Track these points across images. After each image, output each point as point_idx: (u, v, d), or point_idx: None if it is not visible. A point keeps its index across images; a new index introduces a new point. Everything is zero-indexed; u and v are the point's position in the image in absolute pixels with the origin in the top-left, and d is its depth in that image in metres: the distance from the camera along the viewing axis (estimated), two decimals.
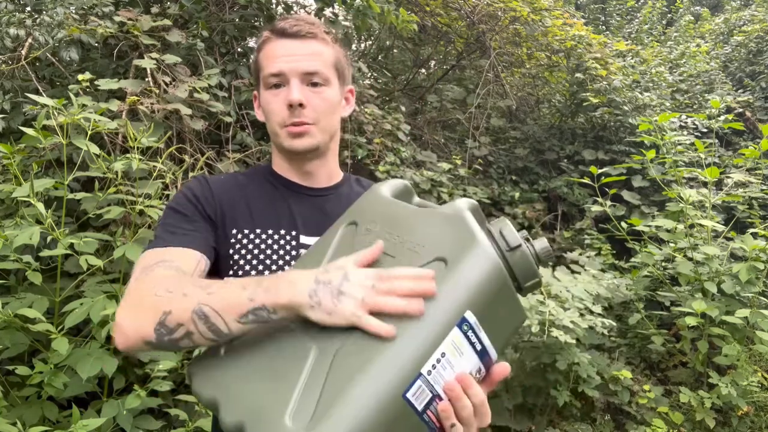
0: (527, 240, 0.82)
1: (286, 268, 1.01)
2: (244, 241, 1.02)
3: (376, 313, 0.71)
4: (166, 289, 0.81)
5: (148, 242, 0.99)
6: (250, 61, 3.97)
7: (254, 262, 1.01)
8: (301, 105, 1.00)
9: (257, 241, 1.03)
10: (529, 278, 0.80)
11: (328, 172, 1.13)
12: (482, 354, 0.74)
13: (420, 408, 0.68)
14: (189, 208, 1.01)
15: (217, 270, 1.01)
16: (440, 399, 0.70)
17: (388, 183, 0.96)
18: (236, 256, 1.01)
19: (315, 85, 1.02)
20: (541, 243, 0.83)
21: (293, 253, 1.03)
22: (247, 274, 1.00)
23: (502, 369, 0.78)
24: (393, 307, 0.70)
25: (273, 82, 1.02)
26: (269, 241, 1.03)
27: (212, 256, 0.99)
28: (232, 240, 1.02)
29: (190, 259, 0.94)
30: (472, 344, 0.72)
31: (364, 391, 0.64)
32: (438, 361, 0.69)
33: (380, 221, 0.87)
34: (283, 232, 1.04)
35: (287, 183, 1.10)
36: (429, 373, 0.68)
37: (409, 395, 0.67)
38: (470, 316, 0.71)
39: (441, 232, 0.80)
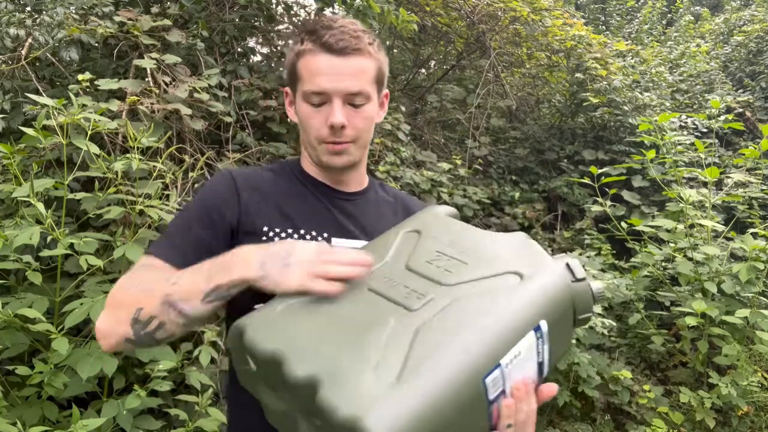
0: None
1: None
2: (275, 239, 1.01)
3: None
4: (140, 285, 0.89)
5: (163, 234, 1.02)
6: (251, 59, 3.97)
7: None
8: (342, 127, 1.00)
9: (288, 239, 1.02)
10: (585, 311, 0.86)
11: (359, 179, 1.14)
12: (540, 367, 0.77)
13: (491, 397, 0.69)
14: (205, 215, 1.01)
15: None
16: (505, 396, 0.72)
17: (444, 206, 1.03)
18: None
19: (355, 105, 1.01)
20: (598, 285, 0.88)
21: None
22: None
23: (550, 389, 0.81)
24: (336, 272, 0.78)
25: (315, 100, 1.01)
26: (299, 239, 1.03)
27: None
28: (263, 237, 1.01)
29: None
30: (537, 353, 0.75)
31: (454, 359, 0.65)
32: (515, 356, 0.72)
33: (446, 235, 0.90)
34: (314, 233, 1.04)
35: (318, 184, 1.10)
36: (507, 366, 0.70)
37: (488, 380, 0.68)
38: (544, 325, 0.75)
39: (511, 251, 0.85)
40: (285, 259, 0.81)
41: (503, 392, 0.71)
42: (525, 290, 0.76)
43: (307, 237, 1.03)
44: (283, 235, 1.02)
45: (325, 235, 1.04)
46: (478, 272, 0.80)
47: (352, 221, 1.08)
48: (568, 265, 0.84)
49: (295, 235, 1.02)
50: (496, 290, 0.76)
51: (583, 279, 0.84)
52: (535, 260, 0.82)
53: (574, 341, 2.63)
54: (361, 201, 1.13)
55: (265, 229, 1.01)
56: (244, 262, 0.83)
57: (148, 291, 0.87)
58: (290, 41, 1.11)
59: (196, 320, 0.85)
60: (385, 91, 1.13)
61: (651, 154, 3.35)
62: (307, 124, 1.03)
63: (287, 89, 1.10)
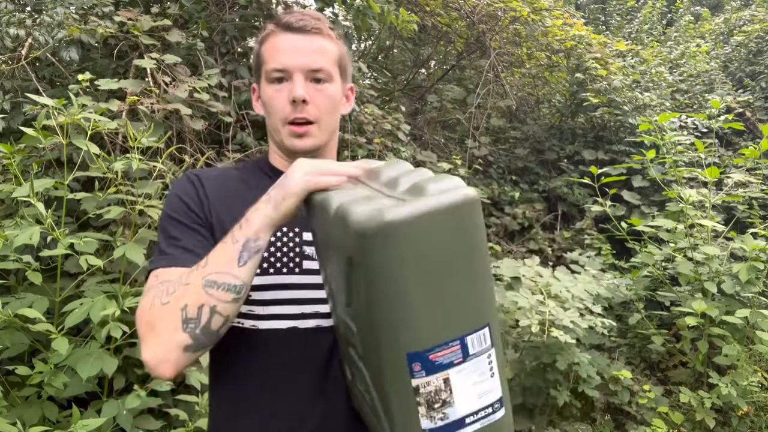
0: None
1: (286, 267, 0.99)
2: None
3: None
4: (166, 293, 0.84)
5: (155, 252, 0.97)
6: (251, 59, 3.96)
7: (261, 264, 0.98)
8: (304, 101, 0.99)
9: None
10: None
11: None
12: None
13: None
14: (187, 216, 0.99)
15: None
16: None
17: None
18: None
19: (318, 81, 1.02)
20: None
21: (297, 250, 1.01)
22: None
23: None
24: (333, 173, 0.82)
25: (276, 76, 1.01)
26: (272, 239, 0.99)
27: None
28: None
29: None
30: None
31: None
32: None
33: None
34: (285, 230, 1.02)
35: None
36: None
37: None
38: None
39: None
40: (284, 179, 0.85)
41: None
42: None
43: (278, 234, 1.01)
44: None
45: (296, 230, 1.02)
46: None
47: None
48: None
49: None
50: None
51: None
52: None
53: (574, 341, 2.63)
54: None
55: None
56: (255, 211, 0.85)
57: (182, 288, 0.84)
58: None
59: (243, 288, 0.84)
60: (351, 84, 1.13)
61: (651, 154, 3.35)
62: (270, 105, 1.03)
63: (254, 85, 1.11)
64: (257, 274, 0.95)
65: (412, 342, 0.69)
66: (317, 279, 0.99)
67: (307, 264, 1.00)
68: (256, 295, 0.96)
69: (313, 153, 1.05)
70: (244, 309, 0.96)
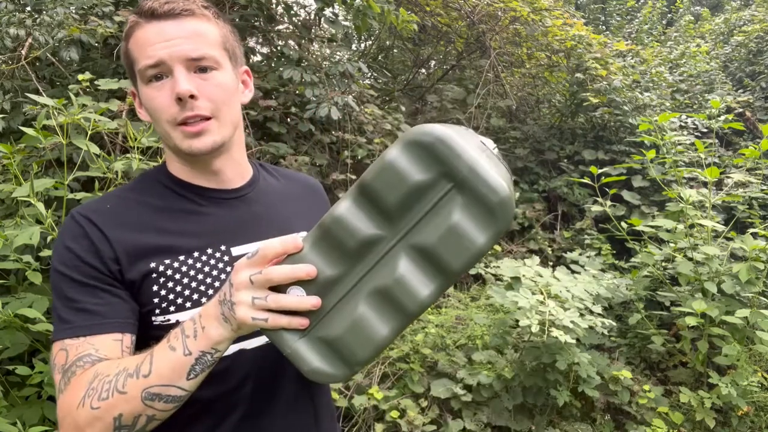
0: None
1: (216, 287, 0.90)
2: (168, 272, 0.87)
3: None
4: (97, 396, 0.75)
5: (54, 324, 0.84)
6: (251, 60, 3.97)
7: (186, 292, 0.88)
8: (192, 96, 0.85)
9: (183, 268, 0.88)
10: None
11: (239, 169, 0.99)
12: None
13: None
14: (80, 271, 0.83)
15: (143, 311, 0.87)
16: None
17: None
18: (162, 291, 0.86)
19: (203, 70, 0.87)
20: None
21: (227, 269, 0.91)
22: (180, 308, 0.87)
23: None
24: (285, 304, 0.70)
25: (152, 74, 0.85)
26: (198, 265, 0.89)
27: (135, 319, 0.86)
28: (154, 275, 0.86)
29: (110, 347, 0.82)
30: None
31: None
32: None
33: None
34: (210, 251, 0.90)
35: (195, 189, 0.94)
36: None
37: None
38: None
39: None
40: (231, 298, 0.72)
41: None
42: None
43: (204, 258, 0.89)
44: (176, 265, 0.88)
45: (223, 247, 0.91)
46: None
47: (248, 220, 0.96)
48: None
49: (189, 260, 0.89)
50: None
51: None
52: None
53: (573, 341, 2.63)
54: (251, 194, 0.99)
55: (153, 265, 0.86)
56: (210, 320, 0.74)
57: (117, 395, 0.74)
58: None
59: (188, 395, 0.77)
60: (244, 67, 0.98)
61: (651, 154, 3.35)
62: (153, 107, 0.87)
63: (132, 89, 0.94)
64: (187, 308, 0.87)
65: None
66: None
67: None
68: None
69: (217, 152, 0.91)
70: None
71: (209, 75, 0.87)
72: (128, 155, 2.09)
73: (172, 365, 0.74)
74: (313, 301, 0.70)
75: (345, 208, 0.71)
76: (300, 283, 0.71)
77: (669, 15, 11.18)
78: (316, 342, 0.72)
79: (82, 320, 0.82)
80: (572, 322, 2.63)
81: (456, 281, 0.78)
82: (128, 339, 0.84)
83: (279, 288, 0.72)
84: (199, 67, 0.86)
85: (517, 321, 2.73)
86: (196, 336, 0.74)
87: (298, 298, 0.71)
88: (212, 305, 0.75)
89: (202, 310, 0.76)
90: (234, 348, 0.90)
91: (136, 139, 2.09)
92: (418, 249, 0.70)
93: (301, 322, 0.71)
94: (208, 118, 0.87)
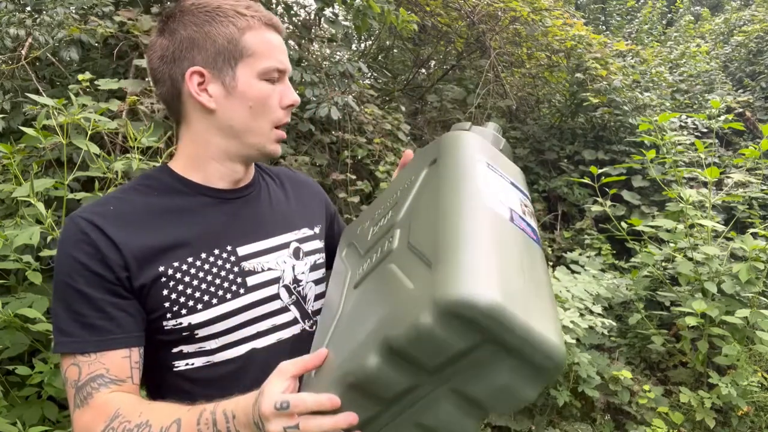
0: None
1: (229, 293, 0.91)
2: (177, 275, 0.88)
3: None
4: None
5: (56, 334, 0.84)
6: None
7: (197, 294, 0.88)
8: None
9: (192, 270, 0.89)
10: None
11: (251, 171, 1.04)
12: None
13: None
14: (91, 281, 0.83)
15: (153, 317, 0.88)
16: None
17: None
18: (173, 295, 0.87)
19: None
20: None
21: (236, 270, 0.92)
22: (192, 310, 0.88)
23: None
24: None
25: (274, 76, 0.93)
26: (206, 267, 0.90)
27: (141, 330, 0.87)
28: (163, 279, 0.86)
29: (119, 365, 0.84)
30: None
31: None
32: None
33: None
34: (217, 252, 0.92)
35: (199, 189, 0.95)
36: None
37: None
38: None
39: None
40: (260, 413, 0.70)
41: None
42: None
43: (211, 259, 0.91)
44: (184, 267, 0.88)
45: (229, 248, 0.93)
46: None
47: (253, 219, 0.98)
48: None
49: (198, 262, 0.90)
50: None
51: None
52: None
53: (573, 341, 2.63)
54: (254, 193, 1.02)
55: (162, 269, 0.86)
56: (244, 427, 0.73)
57: None
58: (198, 14, 0.91)
59: None
60: None
61: (651, 154, 3.35)
62: (265, 104, 0.92)
63: (201, 69, 0.90)
64: (199, 310, 0.88)
65: None
66: (268, 291, 0.94)
67: (251, 280, 0.93)
68: (204, 332, 0.89)
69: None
70: (193, 348, 0.89)
71: None
72: (128, 155, 2.09)
73: None
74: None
75: (375, 365, 0.63)
76: None
77: (669, 15, 11.18)
78: None
79: (89, 335, 0.83)
80: (572, 322, 2.63)
81: None
82: (136, 354, 0.86)
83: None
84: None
85: None
86: (227, 421, 0.74)
87: None
88: (246, 414, 0.73)
89: (236, 410, 0.74)
90: (245, 348, 0.92)
91: (136, 139, 2.09)
92: (462, 395, 0.65)
93: None
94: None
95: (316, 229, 1.10)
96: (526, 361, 0.61)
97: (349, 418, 0.66)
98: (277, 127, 0.95)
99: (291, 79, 3.75)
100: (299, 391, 0.73)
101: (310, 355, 0.74)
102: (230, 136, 0.93)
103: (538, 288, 0.68)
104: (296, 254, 1.02)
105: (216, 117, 0.92)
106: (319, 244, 1.09)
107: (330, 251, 1.13)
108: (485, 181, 0.79)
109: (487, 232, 0.68)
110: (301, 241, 1.05)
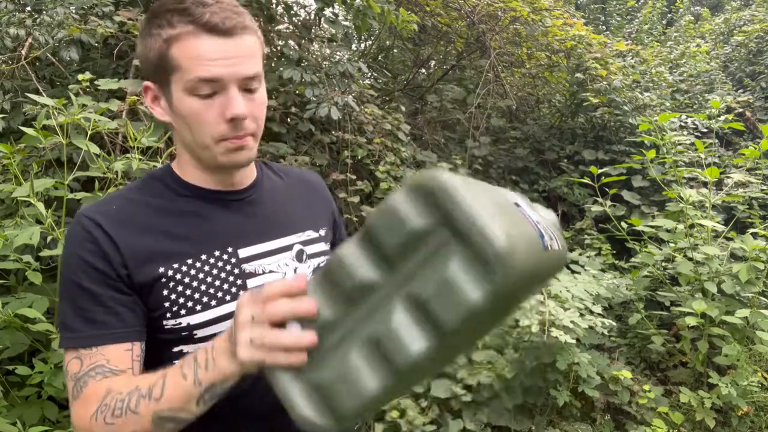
0: None
1: (228, 294, 0.91)
2: (178, 276, 0.88)
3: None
4: (112, 413, 0.78)
5: (62, 330, 0.86)
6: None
7: (196, 295, 0.89)
8: (244, 118, 0.86)
9: (192, 272, 0.89)
10: None
11: (246, 172, 1.00)
12: None
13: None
14: (94, 277, 0.84)
15: (154, 315, 0.88)
16: None
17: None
18: (173, 296, 0.88)
19: (251, 91, 0.88)
20: None
21: (236, 271, 0.92)
22: (191, 311, 0.88)
23: None
24: (283, 340, 0.67)
25: (205, 90, 0.84)
26: (206, 268, 0.90)
27: (143, 325, 0.88)
28: (163, 279, 0.87)
29: (121, 357, 0.84)
30: None
31: None
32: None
33: None
34: (218, 253, 0.92)
35: (202, 192, 0.95)
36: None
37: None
38: None
39: None
40: (234, 335, 0.71)
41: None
42: None
43: (211, 261, 0.91)
44: (184, 269, 0.89)
45: (230, 249, 0.93)
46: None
47: (254, 221, 0.97)
48: None
49: (198, 263, 0.90)
50: None
51: None
52: None
53: (573, 341, 2.63)
54: (256, 195, 1.00)
55: (162, 270, 0.87)
56: (221, 354, 0.74)
57: (130, 414, 0.77)
58: (145, 24, 0.88)
59: (195, 418, 0.79)
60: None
61: (651, 154, 3.35)
62: (198, 121, 0.85)
63: (149, 84, 0.90)
64: (198, 311, 0.89)
65: None
66: None
67: (251, 282, 0.93)
68: (202, 332, 0.89)
69: (246, 166, 0.95)
70: (193, 348, 0.87)
71: (256, 95, 0.88)
72: (128, 155, 2.09)
73: (182, 393, 0.76)
74: (310, 338, 0.67)
75: (348, 248, 0.68)
76: (300, 322, 0.69)
77: (669, 15, 11.18)
78: (308, 386, 0.69)
79: (92, 330, 0.84)
80: (572, 322, 2.63)
81: (455, 348, 0.74)
82: (137, 348, 0.86)
83: (281, 326, 0.70)
84: (248, 87, 0.87)
85: (517, 321, 2.73)
86: (207, 367, 0.75)
87: (296, 335, 0.68)
88: (223, 339, 0.75)
89: (215, 342, 0.76)
90: None
91: (136, 139, 2.09)
92: (413, 299, 0.65)
93: (299, 358, 0.67)
94: (249, 135, 0.89)
95: (322, 232, 1.08)
96: (472, 249, 0.63)
97: (309, 304, 0.67)
98: (225, 140, 0.87)
99: (291, 80, 3.68)
100: None
101: (292, 279, 0.73)
102: (191, 149, 0.92)
103: (504, 209, 0.70)
104: (299, 257, 1.01)
105: (174, 130, 0.92)
106: (324, 246, 1.07)
107: None
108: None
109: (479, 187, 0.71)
110: (305, 243, 1.03)
